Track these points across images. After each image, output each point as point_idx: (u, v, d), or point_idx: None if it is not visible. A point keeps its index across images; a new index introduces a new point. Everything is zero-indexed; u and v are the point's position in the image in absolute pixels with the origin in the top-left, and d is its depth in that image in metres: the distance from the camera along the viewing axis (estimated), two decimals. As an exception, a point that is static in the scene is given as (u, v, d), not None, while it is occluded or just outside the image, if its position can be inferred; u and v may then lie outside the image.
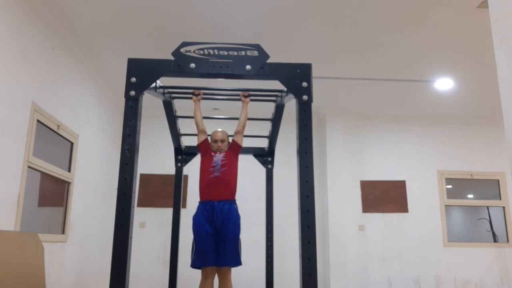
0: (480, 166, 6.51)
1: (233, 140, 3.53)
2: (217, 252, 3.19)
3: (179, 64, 2.70)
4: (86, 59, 4.70)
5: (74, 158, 4.58)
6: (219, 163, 3.37)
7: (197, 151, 3.65)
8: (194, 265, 3.25)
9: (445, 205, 6.39)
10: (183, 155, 4.78)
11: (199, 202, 3.38)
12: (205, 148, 3.50)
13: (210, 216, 3.24)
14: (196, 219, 3.30)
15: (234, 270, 3.34)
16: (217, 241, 3.21)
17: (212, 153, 3.45)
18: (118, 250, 2.36)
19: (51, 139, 4.15)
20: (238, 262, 3.25)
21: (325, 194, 6.26)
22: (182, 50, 2.72)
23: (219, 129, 3.57)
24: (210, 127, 3.68)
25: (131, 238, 2.43)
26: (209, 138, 3.57)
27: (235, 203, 3.39)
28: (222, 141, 3.47)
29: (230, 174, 3.37)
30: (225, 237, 3.21)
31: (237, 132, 3.49)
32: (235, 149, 3.50)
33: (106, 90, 5.55)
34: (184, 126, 4.48)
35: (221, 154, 3.43)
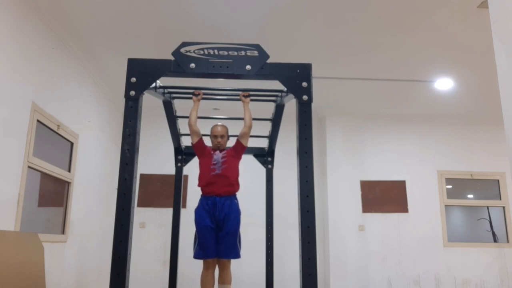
0: (480, 166, 6.51)
1: (237, 139, 3.49)
2: (218, 245, 3.26)
3: (179, 64, 2.70)
4: (86, 59, 4.70)
5: (74, 158, 4.58)
6: (220, 161, 3.37)
7: (192, 148, 3.65)
8: (196, 256, 3.32)
9: (445, 205, 6.39)
10: (183, 155, 4.78)
11: (201, 195, 3.42)
12: (201, 148, 3.47)
13: (211, 210, 3.29)
14: (198, 212, 3.36)
15: (234, 269, 3.42)
16: (217, 234, 3.28)
17: (212, 151, 3.43)
18: (118, 250, 2.36)
19: (51, 139, 4.15)
20: (237, 255, 3.31)
21: (325, 194, 6.26)
22: (182, 50, 2.72)
23: (219, 123, 3.52)
24: (210, 127, 3.67)
25: (131, 238, 2.43)
26: (207, 142, 3.54)
27: (236, 198, 3.43)
28: (222, 136, 3.43)
29: (231, 171, 3.38)
30: (226, 232, 3.27)
31: (243, 134, 3.44)
32: (238, 149, 3.47)
33: (106, 90, 5.55)
34: (184, 126, 4.46)
35: (222, 152, 3.42)
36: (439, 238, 6.21)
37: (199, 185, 3.43)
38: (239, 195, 3.52)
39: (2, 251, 2.78)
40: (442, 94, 5.64)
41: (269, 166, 4.87)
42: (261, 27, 4.05)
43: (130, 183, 2.45)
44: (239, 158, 3.51)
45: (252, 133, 4.20)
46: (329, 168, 6.29)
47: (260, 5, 3.69)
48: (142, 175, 6.18)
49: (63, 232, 4.40)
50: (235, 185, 3.42)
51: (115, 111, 5.93)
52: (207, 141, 3.56)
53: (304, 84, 2.67)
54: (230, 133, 3.66)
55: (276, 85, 2.84)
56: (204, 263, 3.33)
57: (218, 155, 3.40)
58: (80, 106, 4.76)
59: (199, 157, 3.51)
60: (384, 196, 6.35)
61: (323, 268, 6.10)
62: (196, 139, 3.45)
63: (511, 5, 1.54)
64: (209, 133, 3.59)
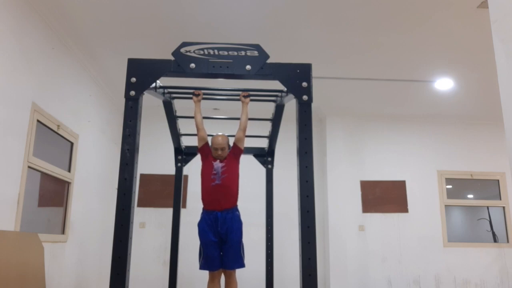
0: (480, 166, 6.50)
1: (234, 143, 3.49)
2: (222, 256, 3.32)
3: (179, 64, 2.71)
4: (86, 59, 4.70)
5: (74, 158, 4.58)
6: (220, 170, 3.38)
7: (197, 151, 3.67)
8: (202, 268, 3.37)
9: (445, 205, 6.39)
10: (183, 155, 4.78)
11: (203, 209, 3.44)
12: (205, 152, 3.49)
13: (213, 225, 3.33)
14: (201, 226, 3.38)
15: (236, 270, 3.41)
16: (221, 246, 3.33)
17: (213, 160, 3.45)
18: (118, 250, 2.36)
19: (51, 139, 4.15)
20: (241, 265, 3.35)
21: (325, 194, 6.26)
22: (182, 50, 2.73)
23: (220, 134, 3.51)
24: (210, 127, 3.67)
25: (131, 238, 2.43)
26: (209, 139, 3.54)
27: (237, 210, 3.44)
28: (222, 149, 3.42)
29: (231, 181, 3.40)
30: (229, 243, 3.32)
31: (238, 138, 3.46)
32: (236, 153, 3.48)
33: (106, 90, 5.55)
34: (184, 126, 4.48)
35: (222, 162, 3.44)
36: (439, 238, 6.21)
37: (201, 195, 3.43)
38: (239, 196, 3.51)
39: (2, 251, 2.78)
40: (442, 94, 5.64)
41: (269, 166, 4.88)
42: (261, 27, 4.05)
43: (130, 183, 2.46)
44: (238, 161, 3.52)
45: (252, 133, 4.21)
46: (329, 168, 6.29)
47: (260, 5, 3.69)
48: (142, 175, 6.18)
49: (63, 232, 4.40)
50: (235, 196, 3.44)
51: (115, 111, 5.93)
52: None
53: (304, 84, 2.68)
54: (229, 133, 3.66)
55: (276, 85, 2.84)
56: (210, 275, 3.38)
57: (218, 165, 3.41)
58: (80, 106, 4.75)
59: (202, 160, 3.53)
60: (384, 196, 6.35)
61: (323, 268, 6.10)
62: (201, 144, 3.48)
63: (511, 5, 1.54)
64: (210, 132, 3.59)
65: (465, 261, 6.13)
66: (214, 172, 3.38)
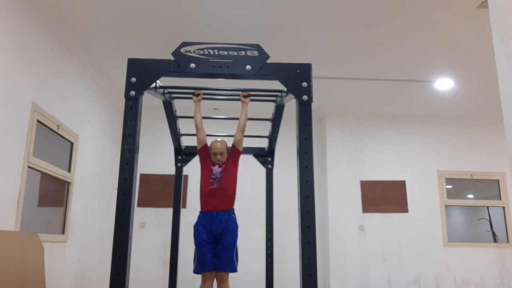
0: (480, 166, 6.50)
1: (232, 145, 3.49)
2: (216, 258, 3.31)
3: (179, 64, 2.71)
4: (86, 59, 4.70)
5: (74, 158, 4.58)
6: (218, 175, 3.41)
7: (196, 152, 3.67)
8: (195, 270, 3.37)
9: (445, 205, 6.39)
10: (183, 155, 4.78)
11: (200, 211, 3.46)
12: (204, 155, 3.49)
13: (208, 225, 3.34)
14: (196, 228, 3.41)
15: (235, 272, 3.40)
16: (215, 248, 3.33)
17: (212, 165, 3.46)
18: (118, 250, 2.36)
19: (51, 139, 4.15)
20: (233, 269, 3.35)
21: (325, 194, 6.26)
22: (182, 50, 2.72)
23: (219, 140, 3.53)
24: (210, 127, 3.67)
25: (131, 238, 2.43)
26: (208, 142, 3.53)
27: (234, 213, 3.46)
28: (222, 154, 3.44)
29: (228, 185, 3.42)
30: (224, 245, 3.32)
31: (237, 138, 3.46)
32: (235, 155, 3.49)
33: (106, 90, 5.55)
34: (184, 126, 4.48)
35: (221, 167, 3.45)
36: (439, 238, 6.21)
37: (200, 197, 3.46)
38: (239, 195, 3.51)
39: (2, 251, 2.78)
40: (442, 94, 5.64)
41: (269, 166, 4.87)
42: (261, 27, 4.05)
43: (130, 183, 2.45)
44: (237, 163, 3.53)
45: (252, 133, 4.22)
46: (329, 168, 6.29)
47: (260, 5, 3.69)
48: (142, 175, 6.18)
49: (63, 232, 4.40)
50: (232, 199, 3.45)
51: (115, 111, 5.93)
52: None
53: (304, 84, 2.67)
54: (229, 133, 3.66)
55: (276, 85, 2.84)
56: (202, 277, 3.37)
57: (217, 170, 3.44)
58: (80, 106, 4.75)
59: (201, 163, 3.53)
60: (384, 196, 6.35)
61: (323, 268, 6.10)
62: (200, 146, 3.48)
63: (511, 5, 1.54)
64: (210, 132, 3.59)
65: (465, 261, 6.13)
66: (213, 176, 3.41)
